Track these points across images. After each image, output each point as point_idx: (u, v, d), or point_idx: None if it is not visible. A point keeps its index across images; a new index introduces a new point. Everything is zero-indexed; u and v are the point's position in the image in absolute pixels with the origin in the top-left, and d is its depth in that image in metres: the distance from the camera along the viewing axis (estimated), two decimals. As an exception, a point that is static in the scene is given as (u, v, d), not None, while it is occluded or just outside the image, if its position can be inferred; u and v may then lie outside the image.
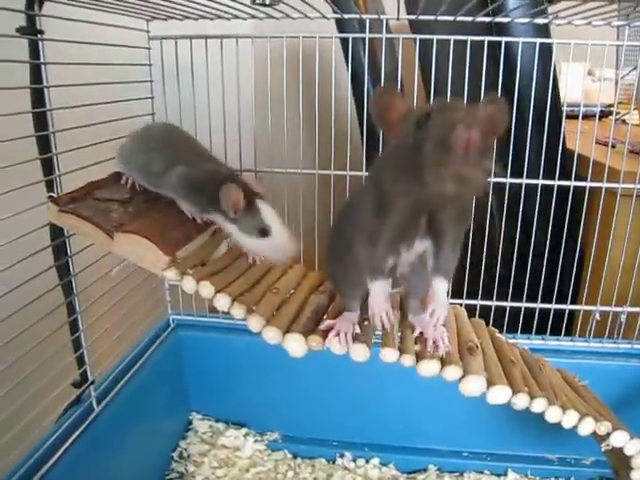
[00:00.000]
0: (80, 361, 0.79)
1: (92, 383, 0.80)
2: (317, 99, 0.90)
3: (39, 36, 0.64)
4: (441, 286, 0.53)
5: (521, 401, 0.56)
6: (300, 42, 0.84)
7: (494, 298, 0.94)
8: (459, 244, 0.53)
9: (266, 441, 1.00)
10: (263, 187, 0.68)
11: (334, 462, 0.98)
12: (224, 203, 0.62)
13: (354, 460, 0.98)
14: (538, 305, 0.93)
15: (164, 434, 0.97)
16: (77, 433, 0.74)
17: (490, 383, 0.56)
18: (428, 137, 0.40)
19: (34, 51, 0.65)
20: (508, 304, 0.94)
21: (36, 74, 0.65)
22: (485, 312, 0.92)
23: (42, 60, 0.65)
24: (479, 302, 0.93)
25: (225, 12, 0.76)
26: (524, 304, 0.93)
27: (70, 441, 0.73)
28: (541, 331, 0.95)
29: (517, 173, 0.87)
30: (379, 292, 0.53)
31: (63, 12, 0.67)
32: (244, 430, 1.02)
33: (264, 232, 0.63)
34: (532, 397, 0.57)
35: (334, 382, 0.96)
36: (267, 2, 0.62)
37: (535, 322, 0.94)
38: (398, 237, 0.50)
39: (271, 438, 1.01)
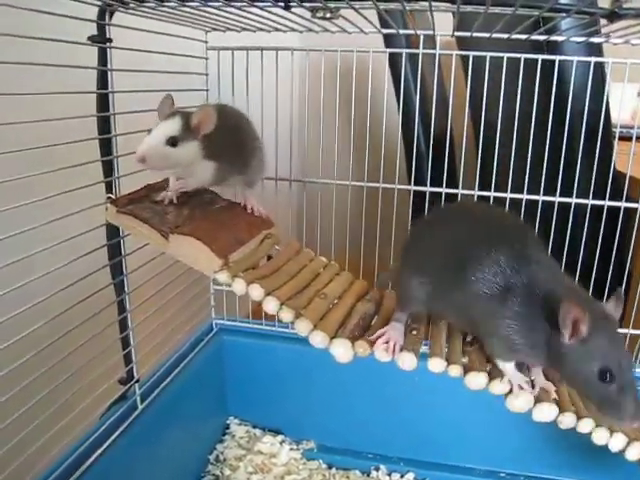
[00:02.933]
0: (127, 359, 0.81)
1: (137, 381, 0.81)
2: (369, 112, 0.91)
3: (108, 44, 0.67)
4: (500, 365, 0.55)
5: (568, 420, 0.55)
6: (354, 56, 0.86)
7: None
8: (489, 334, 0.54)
9: (302, 450, 1.01)
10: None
11: (369, 475, 0.98)
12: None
13: (389, 474, 0.98)
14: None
15: (202, 436, 0.99)
16: (121, 429, 0.76)
17: (537, 400, 0.55)
18: None
19: (102, 58, 0.68)
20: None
21: (103, 80, 0.68)
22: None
23: (109, 67, 0.68)
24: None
25: (283, 25, 0.78)
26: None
27: (114, 437, 0.75)
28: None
29: (567, 192, 0.86)
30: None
31: (130, 22, 0.70)
32: (280, 437, 1.02)
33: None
34: (579, 417, 0.56)
35: (373, 394, 0.96)
36: (328, 16, 0.63)
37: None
38: None
39: (307, 447, 1.01)
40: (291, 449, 1.00)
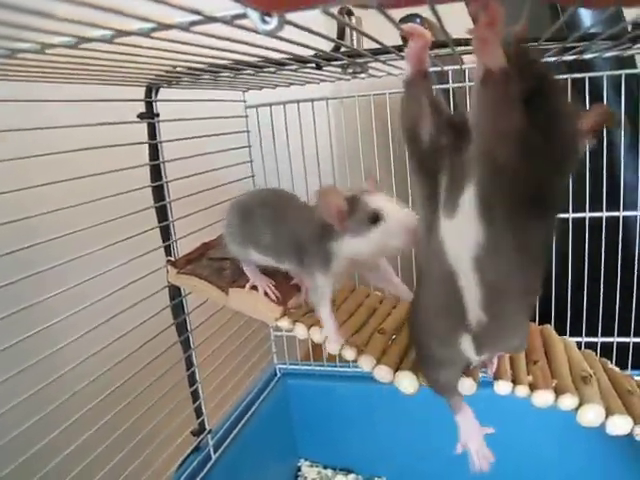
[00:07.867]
0: (198, 411, 0.84)
1: (209, 432, 0.84)
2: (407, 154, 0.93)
3: (156, 119, 0.72)
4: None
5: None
6: (387, 98, 0.89)
7: (599, 334, 0.91)
8: None
9: (374, 486, 1.01)
10: (372, 183, 0.59)
11: (445, 508, 0.97)
12: (325, 211, 0.53)
13: (466, 506, 0.96)
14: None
15: (275, 481, 1.00)
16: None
17: (609, 412, 0.53)
18: None
19: (152, 132, 0.73)
20: (615, 340, 0.91)
21: (154, 151, 0.73)
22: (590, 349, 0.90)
23: (158, 139, 0.73)
24: (584, 339, 0.92)
25: (313, 78, 0.82)
26: (632, 339, 0.91)
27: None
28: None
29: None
30: None
31: (172, 95, 0.75)
32: (352, 476, 1.03)
33: (375, 217, 0.52)
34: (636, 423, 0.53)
35: (442, 425, 0.95)
36: (359, 70, 0.66)
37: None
38: None
39: (379, 483, 1.02)
40: (363, 486, 1.01)
